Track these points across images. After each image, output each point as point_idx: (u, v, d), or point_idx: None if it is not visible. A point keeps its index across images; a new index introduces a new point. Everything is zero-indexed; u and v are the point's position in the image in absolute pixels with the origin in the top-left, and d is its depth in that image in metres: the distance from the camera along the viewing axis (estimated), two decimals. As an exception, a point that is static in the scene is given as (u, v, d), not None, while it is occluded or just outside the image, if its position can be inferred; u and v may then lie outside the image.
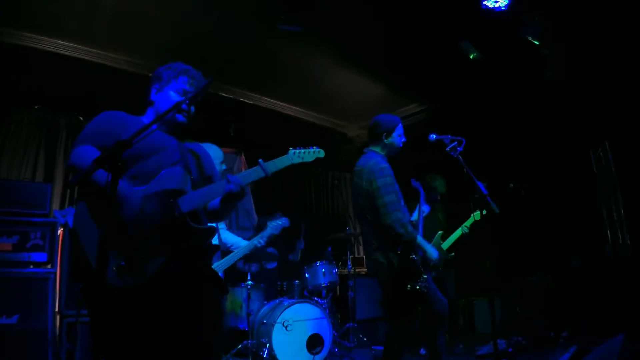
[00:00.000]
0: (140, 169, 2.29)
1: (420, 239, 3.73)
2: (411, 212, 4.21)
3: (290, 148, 2.58)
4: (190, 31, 5.97)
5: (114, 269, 2.06)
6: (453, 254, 5.86)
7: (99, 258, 1.74)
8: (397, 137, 4.02)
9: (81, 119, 6.92)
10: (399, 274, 3.69)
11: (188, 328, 2.22)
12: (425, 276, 3.64)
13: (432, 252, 3.77)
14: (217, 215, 2.65)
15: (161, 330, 2.16)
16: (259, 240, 4.90)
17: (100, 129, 2.38)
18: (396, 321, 3.84)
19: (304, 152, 2.59)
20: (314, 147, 2.65)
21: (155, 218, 2.17)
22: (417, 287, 3.60)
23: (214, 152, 4.26)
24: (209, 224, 2.39)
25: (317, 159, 2.64)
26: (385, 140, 4.01)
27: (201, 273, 2.38)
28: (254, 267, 6.01)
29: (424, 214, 4.35)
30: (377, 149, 4.06)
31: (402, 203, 3.83)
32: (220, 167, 4.36)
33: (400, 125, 4.07)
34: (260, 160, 2.46)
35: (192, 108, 2.56)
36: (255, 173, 2.41)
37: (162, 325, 2.17)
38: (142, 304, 2.12)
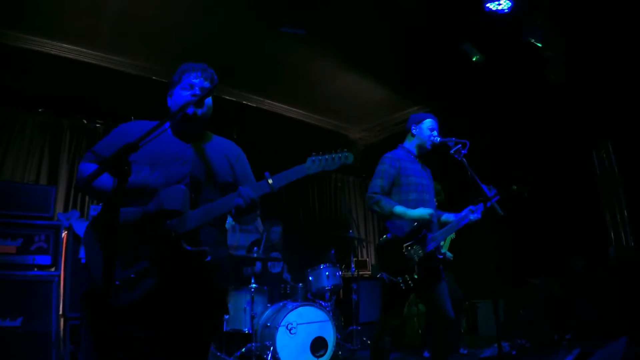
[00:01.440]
0: (145, 184, 2.25)
1: (399, 208, 3.69)
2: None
3: (313, 153, 2.25)
4: (194, 34, 5.99)
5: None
6: (451, 255, 5.83)
7: (105, 271, 1.71)
8: (425, 129, 3.99)
9: (85, 121, 6.94)
10: (381, 262, 3.75)
11: (182, 342, 2.22)
12: (413, 276, 3.61)
13: (418, 213, 3.68)
14: (239, 222, 2.57)
15: (135, 342, 2.15)
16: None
17: (111, 143, 2.35)
18: (381, 311, 3.89)
19: (326, 160, 2.26)
20: (341, 152, 2.29)
21: (150, 239, 2.15)
22: (393, 280, 3.60)
23: None
24: (204, 247, 2.28)
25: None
26: (413, 131, 4.04)
27: (199, 292, 2.29)
28: (258, 269, 6.00)
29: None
30: (407, 144, 4.11)
31: (420, 197, 3.86)
32: None
33: (430, 120, 4.05)
34: (266, 173, 2.21)
35: (209, 100, 2.47)
36: (260, 189, 2.23)
37: (151, 342, 2.16)
38: (128, 318, 2.10)
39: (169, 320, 2.19)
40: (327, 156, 2.26)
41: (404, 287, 3.59)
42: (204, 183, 2.38)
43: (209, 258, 2.20)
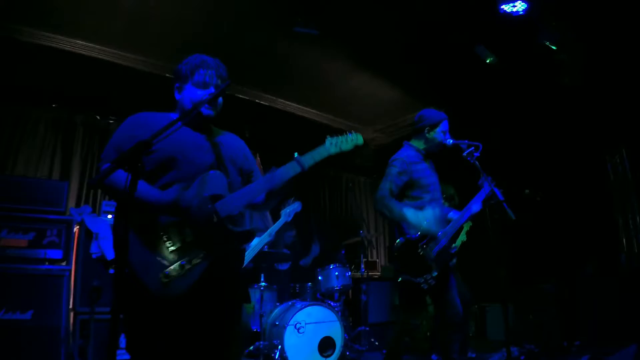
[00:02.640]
0: (175, 176, 2.28)
1: (407, 212, 3.58)
2: None
3: (328, 136, 2.46)
4: (207, 32, 6.00)
5: (161, 279, 2.07)
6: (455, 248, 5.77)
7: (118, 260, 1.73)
8: (440, 134, 3.92)
9: (97, 117, 6.99)
10: (397, 263, 3.73)
11: (214, 331, 2.25)
12: (432, 274, 3.59)
13: (418, 221, 3.57)
14: (259, 208, 2.62)
15: (189, 331, 2.18)
16: (270, 233, 4.81)
17: (124, 139, 2.33)
18: (398, 311, 3.86)
19: (342, 141, 2.47)
20: (351, 133, 2.51)
21: (195, 226, 2.17)
22: (415, 282, 3.57)
23: None
24: (247, 227, 2.34)
25: (339, 155, 2.48)
26: (427, 135, 3.97)
27: (236, 277, 2.36)
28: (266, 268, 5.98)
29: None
30: (415, 143, 4.05)
31: (433, 196, 3.84)
32: None
33: (445, 122, 3.98)
34: (295, 154, 2.38)
35: (220, 99, 2.50)
36: (292, 169, 2.35)
37: (191, 327, 2.19)
38: (179, 308, 2.13)
39: (214, 305, 2.23)
40: (342, 137, 2.47)
41: (425, 287, 3.58)
42: (227, 170, 2.42)
43: (257, 238, 2.29)
